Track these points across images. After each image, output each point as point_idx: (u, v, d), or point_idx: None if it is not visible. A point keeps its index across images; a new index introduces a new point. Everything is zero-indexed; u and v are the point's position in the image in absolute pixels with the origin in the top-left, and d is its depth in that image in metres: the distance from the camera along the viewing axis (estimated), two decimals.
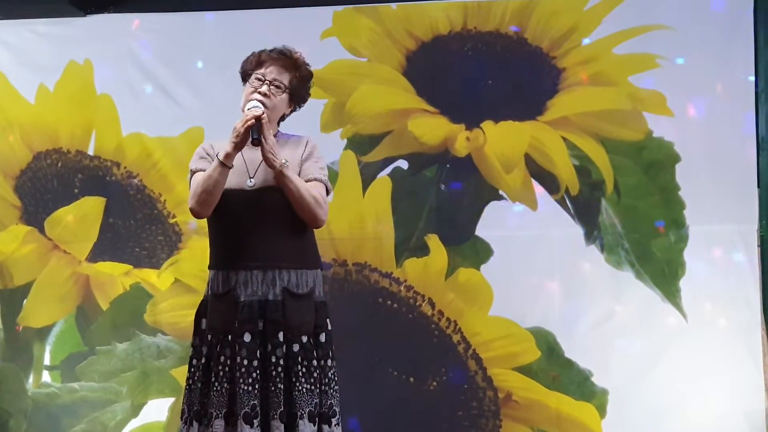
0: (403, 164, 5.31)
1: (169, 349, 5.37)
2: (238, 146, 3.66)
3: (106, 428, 5.36)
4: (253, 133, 3.62)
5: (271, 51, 3.84)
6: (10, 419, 5.42)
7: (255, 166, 3.76)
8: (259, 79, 3.79)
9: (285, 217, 3.73)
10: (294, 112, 3.94)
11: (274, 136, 3.80)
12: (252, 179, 3.74)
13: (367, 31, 5.35)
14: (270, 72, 3.79)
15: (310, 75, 3.90)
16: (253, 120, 3.63)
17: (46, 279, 5.45)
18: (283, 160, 3.67)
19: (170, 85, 5.42)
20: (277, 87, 3.79)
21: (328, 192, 3.83)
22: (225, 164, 3.66)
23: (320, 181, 3.80)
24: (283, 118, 3.91)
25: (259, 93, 3.76)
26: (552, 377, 5.14)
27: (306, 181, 3.76)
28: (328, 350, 3.78)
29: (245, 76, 3.86)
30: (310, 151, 3.84)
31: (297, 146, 3.85)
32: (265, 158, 3.66)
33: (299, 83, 3.84)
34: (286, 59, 3.82)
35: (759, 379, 5.02)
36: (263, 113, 3.67)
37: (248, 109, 3.70)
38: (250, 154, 3.76)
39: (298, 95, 3.87)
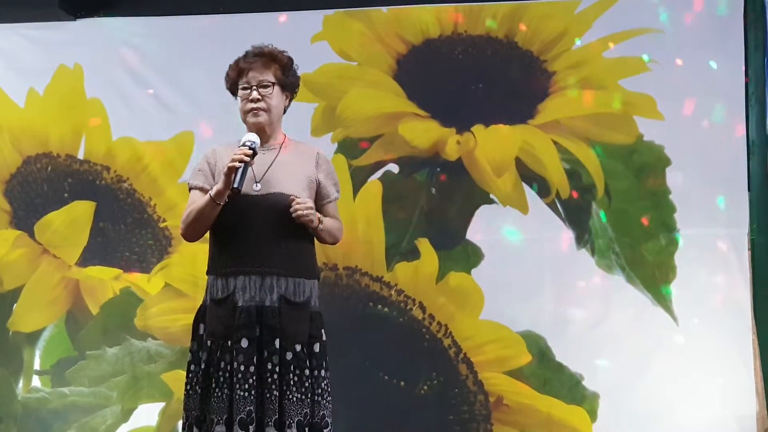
0: (394, 168, 5.30)
1: (160, 353, 5.35)
2: (228, 185, 3.65)
3: None
4: (235, 181, 3.60)
5: (244, 57, 3.84)
6: (0, 424, 5.40)
7: (262, 171, 3.75)
8: (246, 88, 3.79)
9: (286, 224, 3.72)
10: (292, 102, 3.92)
11: (282, 142, 3.83)
12: (258, 183, 3.73)
13: (358, 34, 5.34)
14: (253, 77, 3.79)
15: (290, 60, 3.88)
16: (239, 163, 3.62)
17: (36, 283, 5.44)
18: (319, 218, 3.72)
19: (160, 90, 5.42)
20: (265, 86, 3.79)
21: None
22: (216, 201, 3.68)
23: (337, 199, 3.88)
24: (284, 111, 3.90)
25: (252, 102, 3.76)
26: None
27: (327, 203, 3.84)
28: (322, 361, 3.77)
29: (234, 92, 3.87)
30: (326, 170, 3.87)
31: (307, 157, 3.86)
32: (303, 221, 3.69)
33: (283, 72, 3.84)
34: (262, 57, 3.82)
35: (750, 383, 5.02)
36: (252, 158, 3.65)
37: (241, 145, 3.68)
38: (258, 159, 3.75)
39: (287, 83, 3.86)
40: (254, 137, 3.72)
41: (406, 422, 5.20)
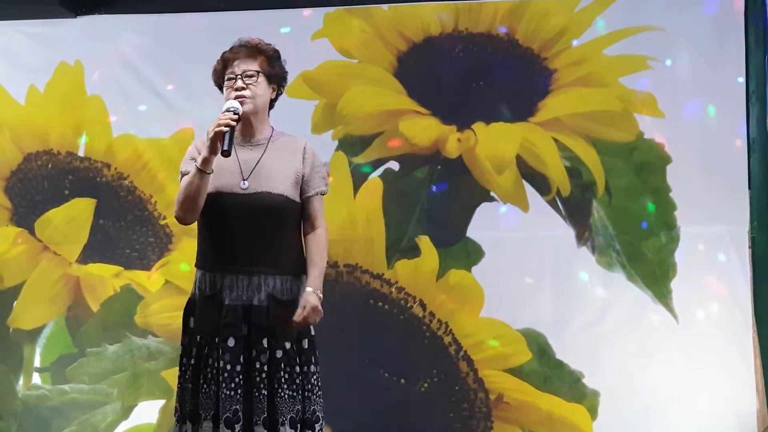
0: (394, 165, 5.30)
1: (160, 350, 5.35)
2: (214, 151, 3.60)
3: (97, 430, 5.35)
4: (224, 144, 3.55)
5: (230, 50, 3.83)
6: (0, 421, 5.40)
7: (249, 168, 3.74)
8: (231, 78, 3.76)
9: (274, 222, 3.72)
10: (279, 95, 3.89)
11: (270, 135, 3.80)
12: (245, 181, 3.72)
13: (359, 32, 5.34)
14: (237, 66, 3.76)
15: (277, 52, 3.86)
16: (226, 128, 3.57)
17: (37, 281, 5.44)
18: (318, 293, 3.73)
19: (160, 87, 5.42)
20: (250, 76, 3.75)
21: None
22: (203, 170, 3.64)
23: (324, 193, 3.84)
24: (272, 105, 3.88)
25: (236, 90, 3.72)
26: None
27: (310, 196, 3.78)
28: (311, 356, 3.77)
29: (220, 86, 3.84)
30: (312, 163, 3.82)
31: (293, 150, 3.82)
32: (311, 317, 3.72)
33: (269, 63, 3.81)
34: (247, 48, 3.81)
35: (750, 380, 5.02)
36: (237, 120, 3.63)
37: (223, 112, 3.65)
38: (246, 155, 3.74)
39: (273, 75, 3.82)
40: (236, 104, 3.67)
41: (407, 420, 5.20)
